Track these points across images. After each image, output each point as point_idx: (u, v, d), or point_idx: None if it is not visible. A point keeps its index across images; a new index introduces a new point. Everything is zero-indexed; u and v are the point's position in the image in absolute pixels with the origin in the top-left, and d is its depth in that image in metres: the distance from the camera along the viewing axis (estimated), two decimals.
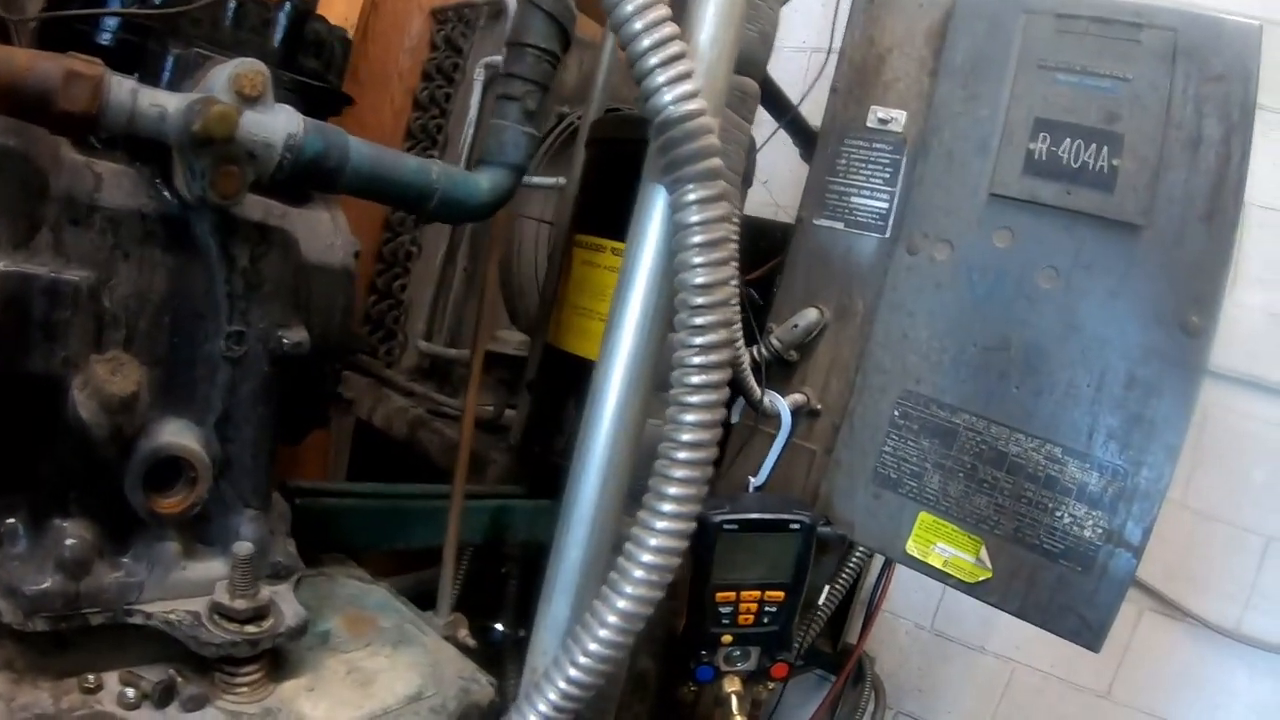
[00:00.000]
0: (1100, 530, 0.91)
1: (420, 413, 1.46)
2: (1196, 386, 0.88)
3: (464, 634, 0.95)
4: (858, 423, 1.02)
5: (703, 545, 0.96)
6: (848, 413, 1.02)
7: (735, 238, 0.76)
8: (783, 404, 0.99)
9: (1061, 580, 0.93)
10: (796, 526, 0.93)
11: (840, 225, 1.09)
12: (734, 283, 0.70)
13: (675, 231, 0.57)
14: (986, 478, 0.95)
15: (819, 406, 1.07)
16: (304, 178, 0.68)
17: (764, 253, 1.22)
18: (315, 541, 0.85)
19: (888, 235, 1.04)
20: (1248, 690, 1.96)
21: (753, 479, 0.99)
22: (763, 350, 1.09)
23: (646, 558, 0.57)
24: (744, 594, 0.96)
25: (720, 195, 0.56)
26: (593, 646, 0.57)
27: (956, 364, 0.97)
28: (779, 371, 1.12)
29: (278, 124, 0.64)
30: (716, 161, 0.56)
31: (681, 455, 0.56)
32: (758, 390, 1.00)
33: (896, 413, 1.00)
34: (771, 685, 1.03)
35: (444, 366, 1.63)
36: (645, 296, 0.62)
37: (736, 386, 0.99)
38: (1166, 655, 2.03)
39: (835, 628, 2.09)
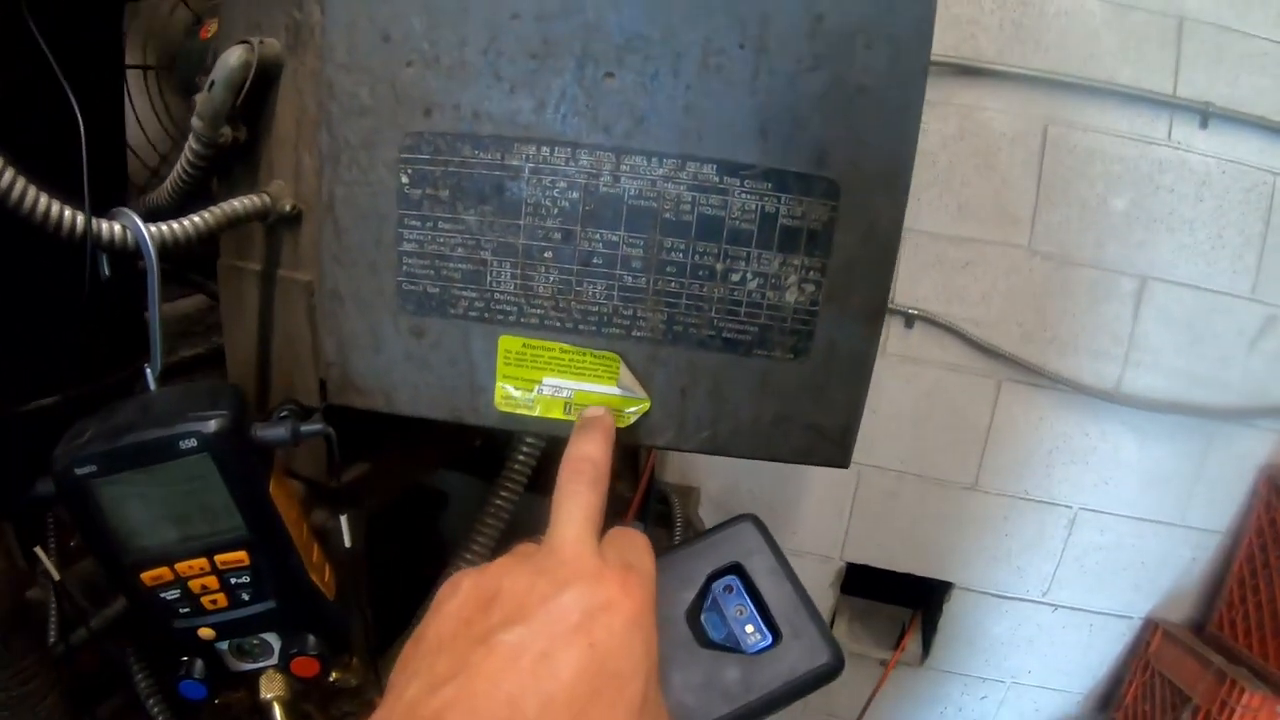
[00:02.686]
0: (811, 287, 0.56)
1: None
2: (929, 5, 0.52)
3: None
4: (345, 216, 0.56)
5: (78, 507, 0.50)
6: (325, 204, 0.56)
7: None
8: (133, 222, 0.50)
9: (765, 381, 0.58)
10: (193, 444, 0.48)
11: None
12: None
13: None
14: (595, 248, 0.54)
15: (295, 206, 0.61)
16: None
17: None
18: None
19: None
20: (1138, 457, 1.75)
21: (148, 368, 0.52)
22: (192, 145, 0.60)
23: None
24: (181, 568, 0.52)
25: None
26: None
27: (491, 60, 0.52)
28: (242, 169, 0.64)
29: None
30: None
31: None
32: (52, 208, 0.48)
33: (405, 179, 0.55)
34: (333, 676, 0.62)
35: None
36: None
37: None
38: (1036, 429, 1.78)
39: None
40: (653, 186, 0.53)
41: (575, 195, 0.53)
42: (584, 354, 0.57)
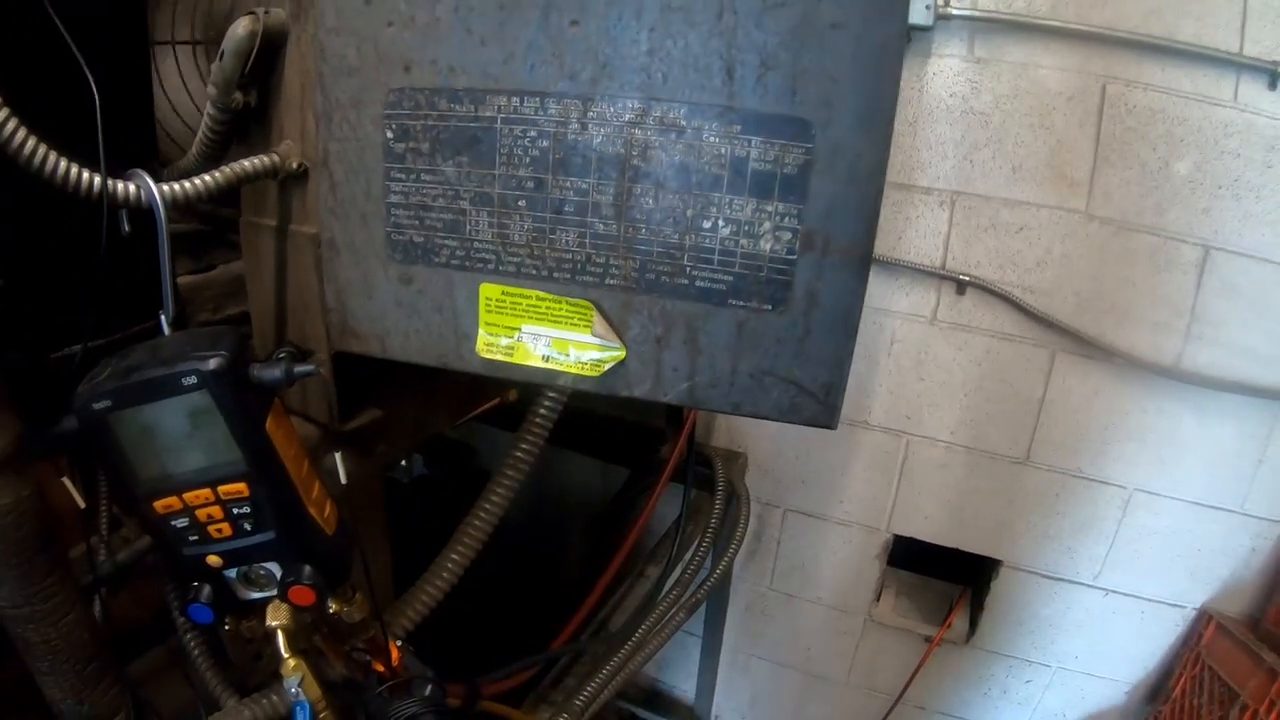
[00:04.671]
0: (788, 235, 0.55)
1: None
2: None
3: None
4: (338, 170, 0.59)
5: (98, 441, 0.55)
6: (321, 160, 0.59)
7: None
8: (145, 182, 0.53)
9: (743, 332, 0.58)
10: (193, 380, 0.52)
11: None
12: None
13: None
14: (566, 195, 0.56)
15: (302, 164, 0.64)
16: None
17: None
18: None
19: None
20: (1198, 438, 1.65)
21: (162, 315, 0.56)
22: (210, 111, 0.64)
23: None
24: (189, 497, 0.56)
25: None
26: None
27: (461, 15, 0.54)
28: (257, 131, 0.68)
29: None
30: None
31: None
32: (71, 170, 0.52)
33: (389, 133, 0.57)
34: (332, 607, 0.67)
35: None
36: None
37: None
38: (1090, 405, 1.69)
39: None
40: (619, 132, 0.54)
41: (545, 144, 0.55)
42: (559, 302, 0.59)
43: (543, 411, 0.92)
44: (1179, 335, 1.60)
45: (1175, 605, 1.80)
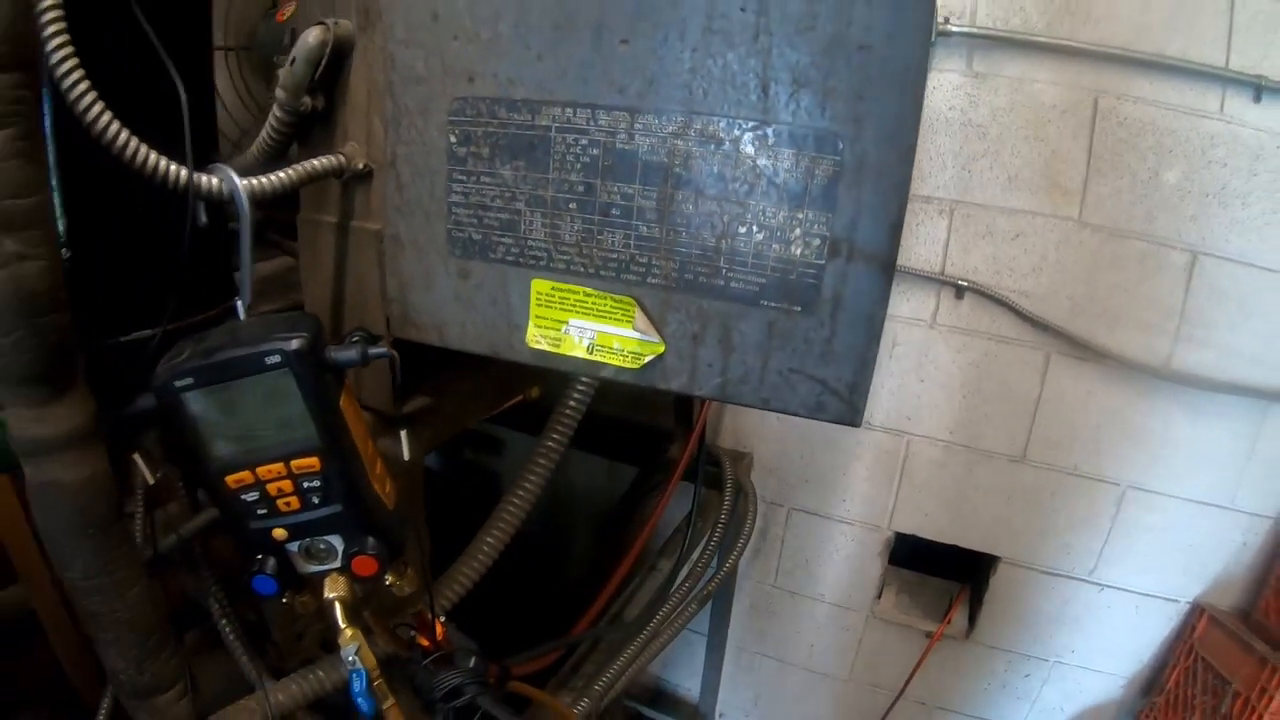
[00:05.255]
0: (817, 241, 0.59)
1: None
2: None
3: None
4: (405, 171, 0.65)
5: (175, 418, 0.60)
6: (388, 162, 0.65)
7: None
8: (229, 177, 0.59)
9: (773, 331, 0.62)
10: (276, 360, 0.57)
11: None
12: None
13: None
14: (614, 200, 0.61)
15: (367, 165, 0.70)
16: None
17: None
18: None
19: None
20: (1188, 436, 1.71)
21: (239, 301, 0.61)
22: (276, 114, 0.69)
23: None
24: (261, 471, 0.61)
25: None
26: None
27: (521, 33, 0.60)
28: (320, 133, 0.73)
29: None
30: None
31: None
32: (162, 164, 0.57)
33: (453, 138, 0.63)
34: (388, 579, 0.72)
35: None
36: None
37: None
38: (1084, 404, 1.76)
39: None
40: (663, 143, 0.59)
41: (595, 152, 0.61)
42: (604, 298, 0.65)
43: (575, 397, 0.98)
44: (1169, 337, 1.67)
45: (1169, 599, 1.86)
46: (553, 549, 2.35)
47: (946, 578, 2.21)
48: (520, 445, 2.10)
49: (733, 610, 2.26)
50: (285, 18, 1.23)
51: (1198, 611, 1.82)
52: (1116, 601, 1.90)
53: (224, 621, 0.93)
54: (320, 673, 0.86)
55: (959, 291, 1.79)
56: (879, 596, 2.15)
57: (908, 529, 2.03)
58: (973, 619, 2.08)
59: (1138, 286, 1.66)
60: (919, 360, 1.87)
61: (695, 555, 1.70)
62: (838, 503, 2.07)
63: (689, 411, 1.84)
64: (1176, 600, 1.86)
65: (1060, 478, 1.84)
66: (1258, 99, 1.51)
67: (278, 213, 0.88)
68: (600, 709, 1.27)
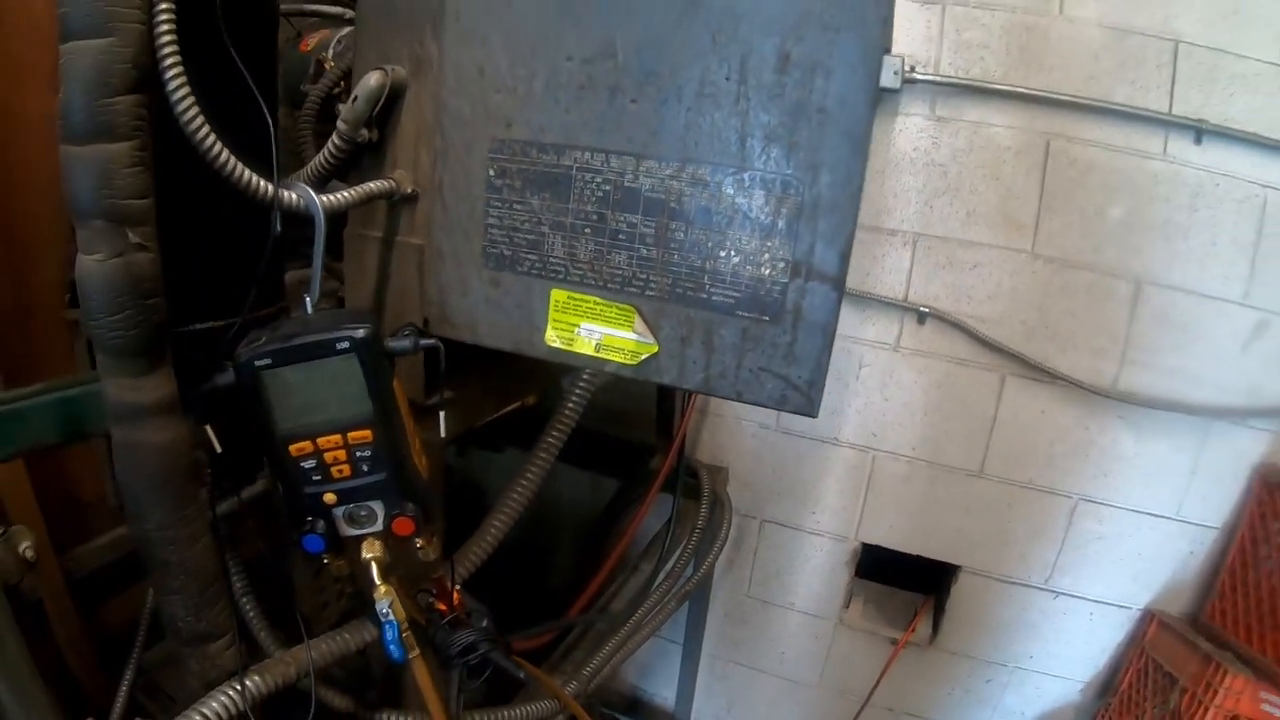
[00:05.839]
0: (781, 264, 0.73)
1: None
2: (875, 46, 0.68)
3: None
4: (449, 196, 0.78)
5: (250, 393, 0.72)
6: (435, 187, 0.78)
7: None
8: (308, 194, 0.73)
9: (746, 336, 0.76)
10: (345, 345, 0.69)
11: None
12: None
13: None
14: (620, 227, 0.75)
15: (414, 189, 0.83)
16: None
17: None
18: None
19: None
20: (1135, 452, 1.85)
21: (307, 297, 0.74)
22: (336, 141, 0.83)
23: None
24: (321, 442, 0.73)
25: None
26: None
27: (551, 90, 0.74)
28: (371, 160, 0.87)
29: None
30: None
31: None
32: (254, 180, 0.71)
33: (491, 172, 0.77)
34: (419, 543, 0.84)
35: None
36: None
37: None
38: (1037, 422, 1.90)
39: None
40: (662, 183, 0.74)
41: (608, 188, 0.74)
42: (611, 306, 0.78)
43: (581, 385, 1.11)
44: (1115, 360, 1.82)
45: (1121, 606, 1.99)
46: (539, 556, 2.44)
47: (913, 591, 2.32)
48: (499, 463, 2.20)
49: (707, 619, 2.35)
50: (309, 48, 1.33)
51: (1149, 617, 1.94)
52: (1072, 608, 2.02)
53: (245, 600, 1.03)
54: (347, 635, 0.97)
55: (921, 317, 1.94)
56: (847, 605, 2.26)
57: (874, 539, 2.15)
58: (936, 626, 2.18)
59: (1087, 313, 1.81)
60: (884, 381, 2.02)
61: (674, 559, 1.82)
62: (808, 515, 2.19)
63: (670, 426, 1.98)
64: (1128, 607, 1.98)
65: (1016, 491, 1.98)
66: (1198, 141, 1.68)
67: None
68: (586, 691, 1.38)
